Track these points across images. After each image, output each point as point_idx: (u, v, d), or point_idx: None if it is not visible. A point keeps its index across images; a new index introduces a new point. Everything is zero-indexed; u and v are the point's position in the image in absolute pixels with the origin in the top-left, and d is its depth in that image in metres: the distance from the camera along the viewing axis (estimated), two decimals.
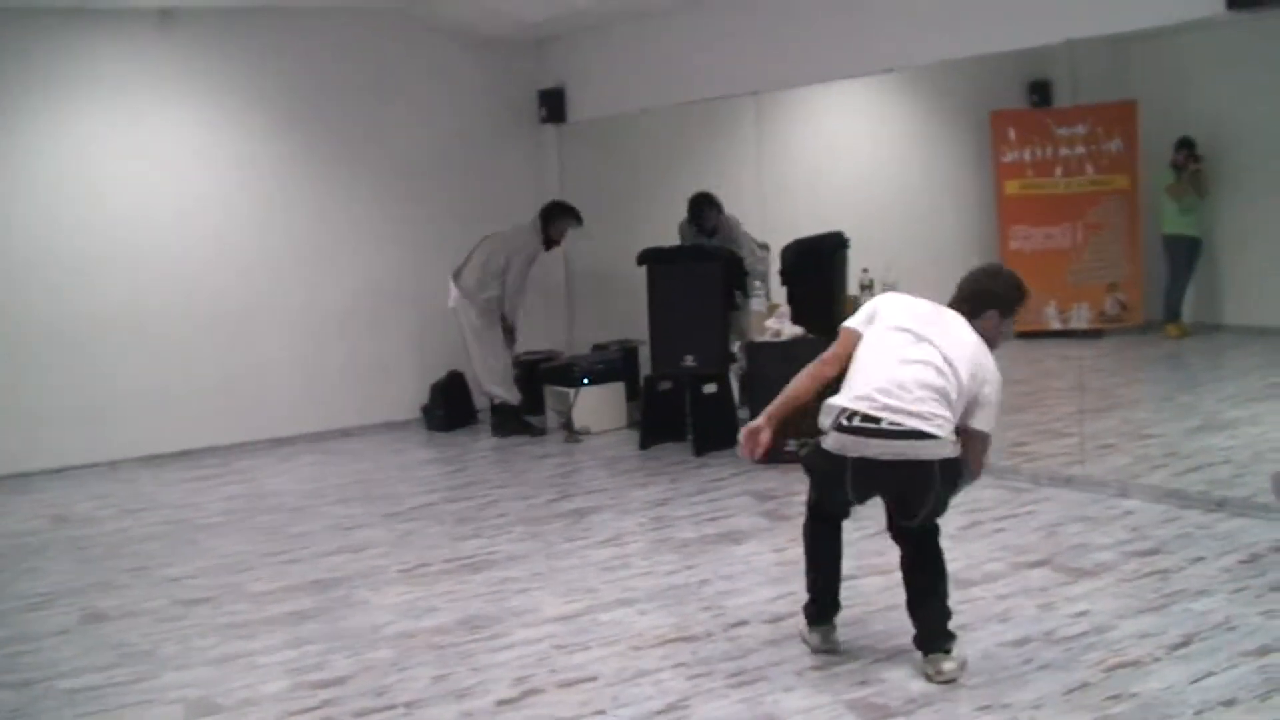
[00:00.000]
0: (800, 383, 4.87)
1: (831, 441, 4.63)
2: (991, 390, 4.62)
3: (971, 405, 4.61)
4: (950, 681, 4.53)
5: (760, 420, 4.79)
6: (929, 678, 4.57)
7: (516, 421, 9.99)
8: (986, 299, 4.82)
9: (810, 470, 4.87)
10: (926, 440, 4.47)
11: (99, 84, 9.36)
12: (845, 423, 4.57)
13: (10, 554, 7.24)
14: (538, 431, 9.95)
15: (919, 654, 4.68)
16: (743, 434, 4.83)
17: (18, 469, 9.17)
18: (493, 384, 9.91)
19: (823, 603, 4.95)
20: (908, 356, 4.61)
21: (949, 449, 4.51)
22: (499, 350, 9.88)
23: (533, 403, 10.33)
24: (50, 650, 5.53)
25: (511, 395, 9.96)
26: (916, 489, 4.54)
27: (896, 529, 4.75)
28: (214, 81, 9.79)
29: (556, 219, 9.91)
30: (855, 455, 4.54)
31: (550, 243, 10.03)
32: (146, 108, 9.51)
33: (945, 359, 4.57)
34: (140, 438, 9.57)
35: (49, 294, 9.24)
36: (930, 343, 4.62)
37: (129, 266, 9.50)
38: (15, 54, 9.06)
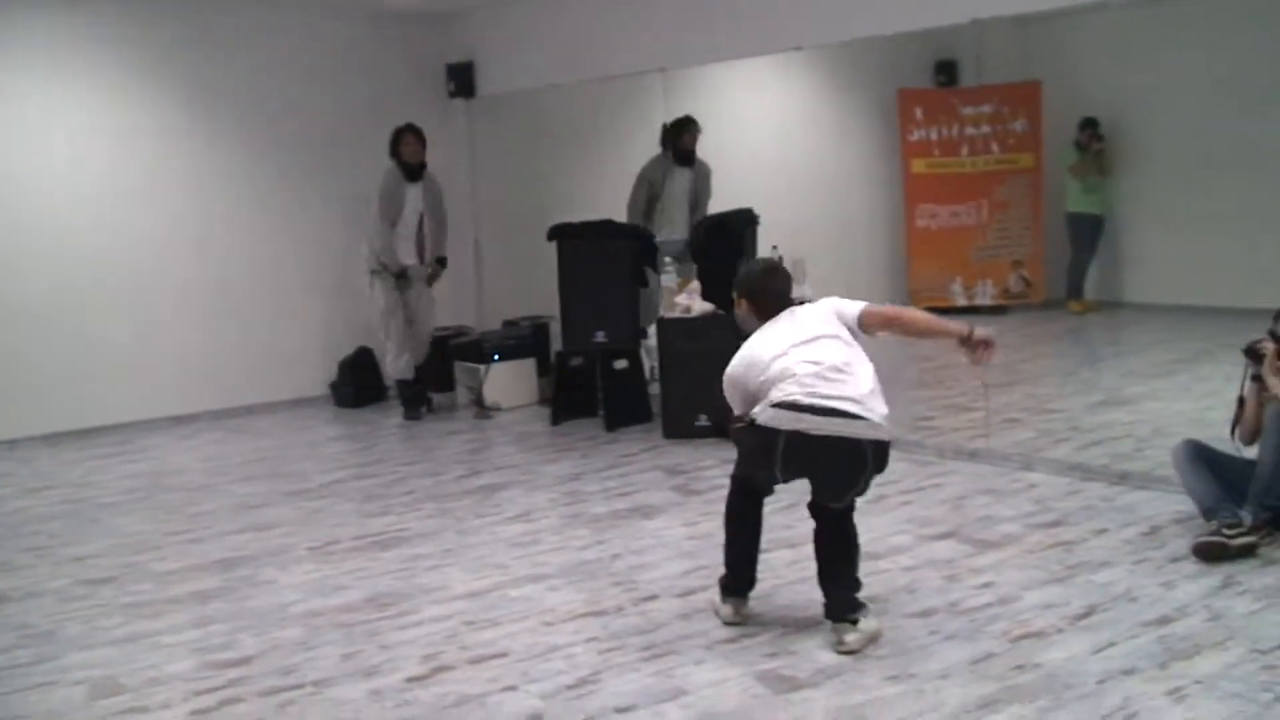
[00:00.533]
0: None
1: (767, 416, 4.65)
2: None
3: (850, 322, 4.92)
4: (854, 652, 4.57)
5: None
6: (835, 648, 4.61)
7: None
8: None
9: (740, 444, 4.90)
10: (859, 422, 4.55)
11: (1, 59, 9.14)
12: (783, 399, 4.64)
13: None
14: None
15: (829, 625, 4.72)
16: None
17: None
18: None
19: (739, 575, 4.98)
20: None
21: (884, 432, 4.61)
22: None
23: (442, 379, 10.27)
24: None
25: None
26: (851, 470, 4.64)
27: (815, 505, 4.80)
28: (115, 58, 9.58)
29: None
30: (789, 429, 4.57)
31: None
32: (46, 84, 9.29)
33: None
34: (39, 416, 9.37)
35: (12, 267, 9.03)
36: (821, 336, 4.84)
37: (26, 243, 9.28)
38: None
